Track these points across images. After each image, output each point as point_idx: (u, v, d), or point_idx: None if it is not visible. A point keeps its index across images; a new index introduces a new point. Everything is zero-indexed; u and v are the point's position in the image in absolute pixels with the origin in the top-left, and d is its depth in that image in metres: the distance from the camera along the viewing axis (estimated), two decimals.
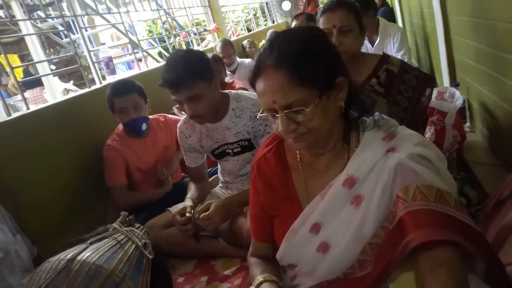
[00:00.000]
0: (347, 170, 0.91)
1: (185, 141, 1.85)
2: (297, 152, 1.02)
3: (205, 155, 1.94)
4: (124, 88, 2.12)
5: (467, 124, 2.31)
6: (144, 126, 2.18)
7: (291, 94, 0.83)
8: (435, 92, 2.16)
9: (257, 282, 1.00)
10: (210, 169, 2.25)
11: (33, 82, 5.70)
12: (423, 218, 0.75)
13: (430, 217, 0.75)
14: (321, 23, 1.55)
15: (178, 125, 1.87)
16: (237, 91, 1.82)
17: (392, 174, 0.84)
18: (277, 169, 1.04)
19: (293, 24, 3.86)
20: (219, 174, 2.04)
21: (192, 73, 1.53)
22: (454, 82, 2.36)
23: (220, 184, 2.03)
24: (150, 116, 2.27)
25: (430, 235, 0.72)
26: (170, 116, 2.43)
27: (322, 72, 0.85)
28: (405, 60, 2.56)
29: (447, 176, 0.86)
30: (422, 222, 0.75)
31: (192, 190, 1.90)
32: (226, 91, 1.78)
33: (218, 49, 3.84)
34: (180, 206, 1.80)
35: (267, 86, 0.85)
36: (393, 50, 3.02)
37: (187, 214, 1.67)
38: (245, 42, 4.86)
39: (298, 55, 0.84)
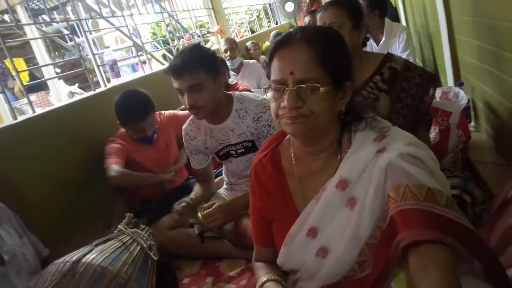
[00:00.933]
0: (339, 172, 0.91)
1: (190, 143, 1.86)
2: (292, 155, 1.02)
3: (210, 157, 1.95)
4: (142, 111, 2.09)
5: (472, 123, 2.29)
6: (154, 136, 2.25)
7: (310, 70, 0.85)
8: (439, 91, 2.15)
9: (261, 281, 1.01)
10: (215, 170, 2.26)
11: (39, 85, 5.75)
12: (412, 218, 0.75)
13: (420, 216, 0.75)
14: (317, 23, 1.64)
15: (183, 127, 1.88)
16: (241, 92, 1.82)
17: (383, 175, 0.84)
18: (273, 174, 1.04)
19: (307, 19, 3.92)
20: (224, 175, 2.04)
21: (197, 62, 1.55)
22: (458, 82, 2.34)
23: (224, 186, 2.04)
24: None
25: (419, 235, 0.72)
26: (163, 112, 2.45)
27: (342, 66, 0.89)
28: (410, 61, 2.56)
29: (439, 176, 0.86)
30: (412, 221, 0.75)
31: (196, 189, 1.91)
32: (230, 92, 1.79)
33: (222, 42, 3.96)
34: None
35: (291, 56, 0.87)
36: (398, 50, 3.00)
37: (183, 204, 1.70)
38: (248, 44, 4.85)
39: (330, 41, 0.89)
